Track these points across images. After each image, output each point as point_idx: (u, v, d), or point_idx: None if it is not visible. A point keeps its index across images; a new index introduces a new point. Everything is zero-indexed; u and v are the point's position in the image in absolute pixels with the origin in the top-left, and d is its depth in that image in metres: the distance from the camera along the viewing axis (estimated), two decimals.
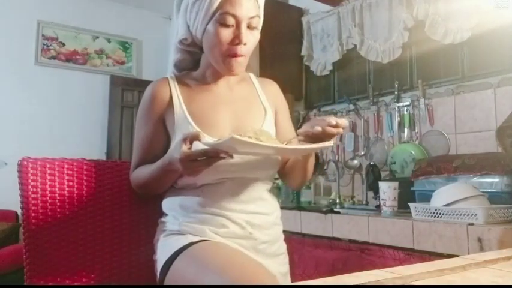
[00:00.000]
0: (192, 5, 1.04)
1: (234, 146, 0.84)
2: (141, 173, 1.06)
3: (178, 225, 1.03)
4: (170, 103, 1.06)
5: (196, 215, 1.02)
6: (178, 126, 1.04)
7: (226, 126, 1.05)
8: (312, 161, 1.10)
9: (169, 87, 1.08)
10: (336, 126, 0.94)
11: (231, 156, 0.88)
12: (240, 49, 1.01)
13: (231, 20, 0.99)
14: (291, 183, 1.19)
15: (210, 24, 1.01)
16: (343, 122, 0.95)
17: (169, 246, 1.00)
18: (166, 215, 1.08)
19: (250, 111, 1.10)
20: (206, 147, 0.87)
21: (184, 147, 0.87)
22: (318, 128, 0.92)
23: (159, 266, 1.00)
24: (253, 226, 1.02)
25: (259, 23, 1.05)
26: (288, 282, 1.08)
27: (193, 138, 0.88)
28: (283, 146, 0.92)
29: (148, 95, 1.09)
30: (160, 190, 1.08)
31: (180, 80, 1.11)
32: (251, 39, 1.03)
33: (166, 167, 0.96)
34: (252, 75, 1.20)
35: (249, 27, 1.02)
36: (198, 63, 1.13)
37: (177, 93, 1.08)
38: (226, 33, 1.00)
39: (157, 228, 1.10)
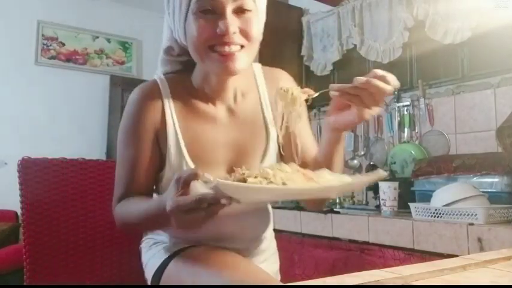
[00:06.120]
0: (167, 1, 0.87)
1: (231, 194, 0.63)
2: (127, 211, 0.87)
3: (166, 237, 0.97)
4: (163, 121, 0.89)
5: (183, 233, 0.93)
6: (170, 156, 0.88)
7: (224, 161, 0.90)
8: (339, 160, 0.89)
9: (161, 99, 0.90)
10: (382, 79, 0.72)
11: (238, 201, 0.66)
12: (229, 38, 0.80)
13: (210, 6, 0.80)
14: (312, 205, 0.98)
15: (188, 19, 0.83)
16: (394, 78, 0.73)
17: (158, 254, 0.94)
18: None
19: (251, 141, 0.93)
20: (207, 190, 0.65)
21: (176, 195, 0.66)
22: (361, 79, 0.72)
23: (149, 274, 0.95)
24: (243, 241, 0.95)
25: (253, 3, 0.83)
26: (278, 280, 1.06)
27: (189, 179, 0.66)
28: (304, 186, 0.65)
29: (136, 107, 0.90)
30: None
31: (173, 88, 0.92)
32: (243, 25, 0.82)
33: (159, 218, 0.74)
34: (258, 77, 1.00)
35: (238, 11, 0.81)
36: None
37: (170, 110, 0.90)
38: (208, 24, 0.80)
39: (143, 235, 1.04)
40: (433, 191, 1.71)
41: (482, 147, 2.04)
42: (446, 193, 1.63)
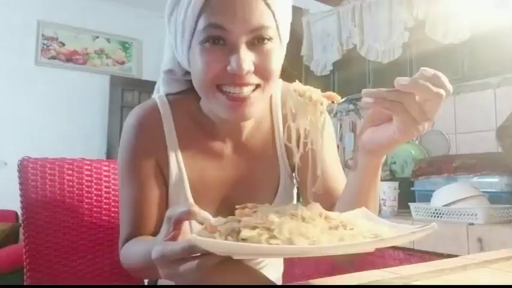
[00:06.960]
0: (168, 19, 0.71)
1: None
2: (131, 254, 0.75)
3: None
4: (164, 153, 0.77)
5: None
6: (170, 192, 0.79)
7: (229, 200, 0.78)
8: (374, 195, 0.71)
9: (162, 126, 0.77)
10: (433, 80, 0.56)
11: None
12: (242, 79, 0.65)
13: (219, 36, 0.64)
14: None
15: (192, 47, 0.68)
16: (447, 80, 0.57)
17: None
18: None
19: (260, 177, 0.81)
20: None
21: (165, 238, 0.52)
22: (404, 79, 0.56)
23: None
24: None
25: (275, 30, 0.70)
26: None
27: (181, 218, 0.52)
28: (317, 245, 0.46)
29: (133, 138, 0.77)
30: None
31: (177, 113, 0.79)
32: (260, 60, 0.66)
33: (152, 265, 0.56)
34: (275, 99, 0.84)
35: (255, 42, 0.66)
36: None
37: (172, 140, 0.77)
38: (216, 59, 0.65)
39: None
40: (433, 191, 1.71)
41: (482, 147, 2.04)
42: (446, 193, 1.63)
